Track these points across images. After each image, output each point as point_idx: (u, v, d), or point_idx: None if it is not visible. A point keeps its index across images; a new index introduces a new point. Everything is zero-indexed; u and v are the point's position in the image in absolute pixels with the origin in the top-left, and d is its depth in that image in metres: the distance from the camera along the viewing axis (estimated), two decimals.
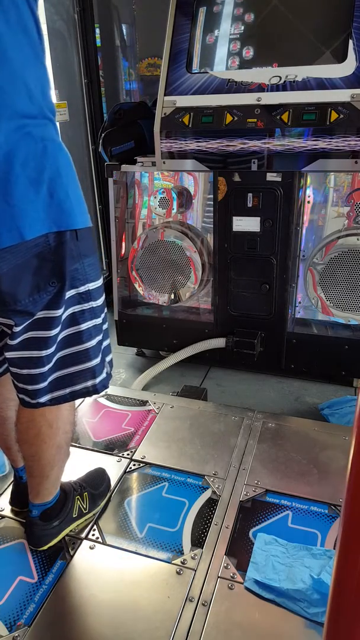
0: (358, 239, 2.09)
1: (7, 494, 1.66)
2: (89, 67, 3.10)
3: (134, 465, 1.78)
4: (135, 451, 1.84)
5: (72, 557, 1.43)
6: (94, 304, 1.22)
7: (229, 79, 2.10)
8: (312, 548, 1.39)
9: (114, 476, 1.72)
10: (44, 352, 1.19)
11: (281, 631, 1.23)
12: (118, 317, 2.67)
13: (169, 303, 2.51)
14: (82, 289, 1.19)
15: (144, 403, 2.13)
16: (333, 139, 1.96)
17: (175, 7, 2.22)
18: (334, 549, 1.28)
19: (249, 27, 2.13)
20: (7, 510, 1.60)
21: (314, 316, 2.41)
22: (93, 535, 1.50)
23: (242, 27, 2.14)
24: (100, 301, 1.26)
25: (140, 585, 1.36)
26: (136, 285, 2.55)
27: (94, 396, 2.16)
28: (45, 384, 1.23)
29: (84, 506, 1.55)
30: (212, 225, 2.36)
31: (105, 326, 1.31)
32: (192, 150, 2.18)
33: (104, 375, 1.31)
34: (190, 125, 2.15)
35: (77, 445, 1.86)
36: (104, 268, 3.50)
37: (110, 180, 2.48)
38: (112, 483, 1.69)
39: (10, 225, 1.04)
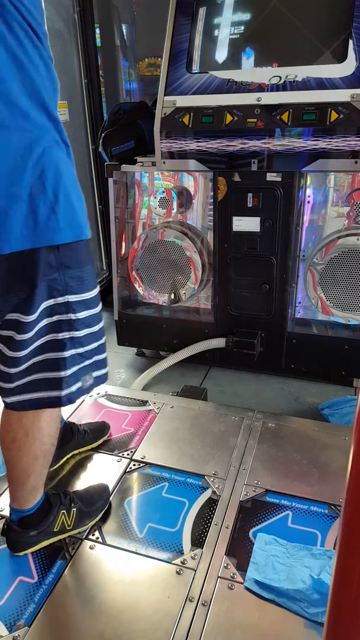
0: (358, 239, 2.09)
1: (8, 494, 1.66)
2: (89, 67, 3.10)
3: (134, 465, 1.78)
4: (135, 451, 1.84)
5: (72, 557, 1.43)
6: (72, 316, 1.20)
7: (229, 79, 2.10)
8: (312, 548, 1.40)
9: (114, 476, 1.72)
10: (17, 354, 1.18)
11: (281, 631, 1.23)
12: (118, 317, 2.66)
13: (169, 303, 2.51)
14: (61, 299, 1.18)
15: (144, 403, 2.13)
16: (333, 139, 1.96)
17: (175, 7, 2.22)
18: (334, 549, 1.28)
19: (249, 27, 2.13)
20: (7, 510, 1.60)
21: (314, 316, 2.41)
22: (93, 535, 1.50)
23: (242, 27, 2.14)
24: (83, 314, 1.22)
25: (140, 585, 1.36)
26: (136, 285, 2.55)
27: (94, 396, 2.16)
28: (13, 385, 1.23)
29: (68, 522, 1.47)
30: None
31: (88, 340, 1.26)
32: (192, 150, 2.18)
33: (72, 389, 1.27)
34: (190, 125, 2.15)
35: None
36: (104, 268, 3.50)
37: (110, 180, 2.48)
38: (112, 483, 1.69)
39: None
